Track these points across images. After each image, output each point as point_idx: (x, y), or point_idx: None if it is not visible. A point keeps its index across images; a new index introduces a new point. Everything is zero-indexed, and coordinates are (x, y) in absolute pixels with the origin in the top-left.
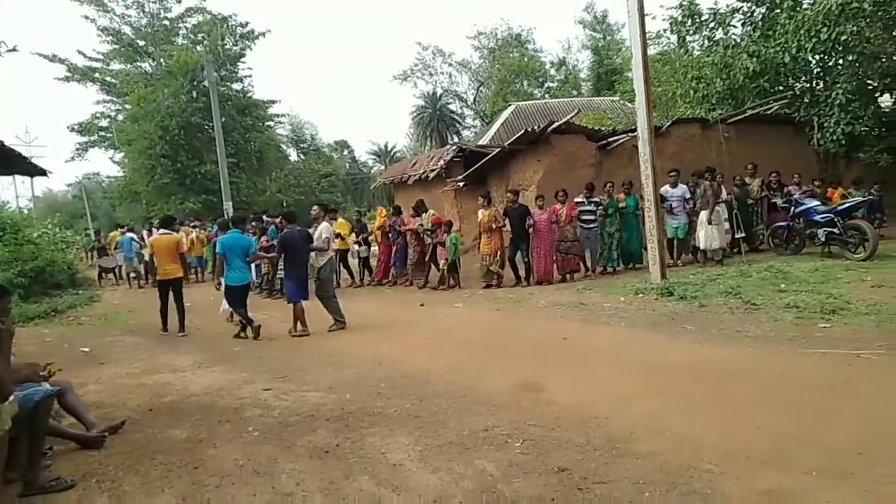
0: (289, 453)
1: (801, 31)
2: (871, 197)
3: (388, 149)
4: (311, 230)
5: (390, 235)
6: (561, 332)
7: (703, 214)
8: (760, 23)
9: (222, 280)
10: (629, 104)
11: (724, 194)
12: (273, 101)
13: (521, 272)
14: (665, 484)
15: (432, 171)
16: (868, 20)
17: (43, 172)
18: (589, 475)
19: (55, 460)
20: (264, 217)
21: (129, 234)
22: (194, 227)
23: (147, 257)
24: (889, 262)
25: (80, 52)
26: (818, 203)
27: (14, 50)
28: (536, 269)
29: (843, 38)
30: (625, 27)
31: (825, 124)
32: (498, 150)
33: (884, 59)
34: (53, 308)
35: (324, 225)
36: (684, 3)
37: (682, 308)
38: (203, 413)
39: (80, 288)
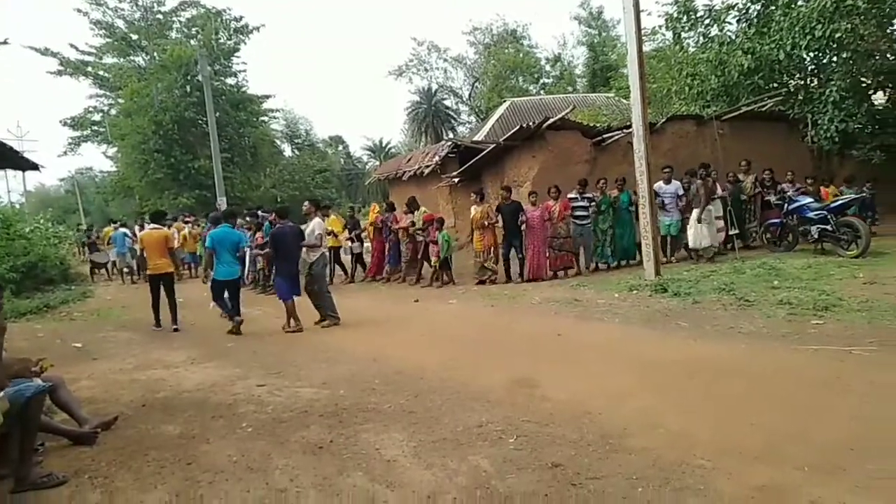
0: (282, 449)
1: (796, 29)
2: (864, 194)
3: (383, 144)
4: (303, 226)
5: (383, 231)
6: (555, 329)
7: (695, 213)
8: (755, 20)
9: (210, 273)
10: (624, 100)
11: (718, 191)
12: (267, 96)
13: (515, 269)
14: (658, 479)
15: (427, 166)
16: (862, 18)
17: (35, 167)
18: (582, 471)
19: (47, 456)
20: (259, 212)
21: (122, 230)
22: (187, 222)
23: (139, 252)
24: (881, 259)
25: (72, 45)
26: (811, 200)
27: (5, 43)
28: (529, 266)
29: (838, 35)
30: (620, 23)
31: (819, 121)
32: (493, 146)
33: (877, 57)
34: (45, 303)
35: (316, 221)
36: None
37: (676, 304)
38: (196, 409)
39: (73, 283)
